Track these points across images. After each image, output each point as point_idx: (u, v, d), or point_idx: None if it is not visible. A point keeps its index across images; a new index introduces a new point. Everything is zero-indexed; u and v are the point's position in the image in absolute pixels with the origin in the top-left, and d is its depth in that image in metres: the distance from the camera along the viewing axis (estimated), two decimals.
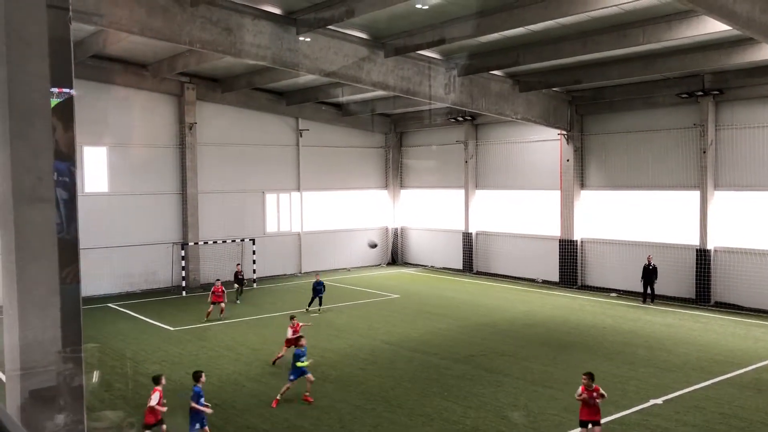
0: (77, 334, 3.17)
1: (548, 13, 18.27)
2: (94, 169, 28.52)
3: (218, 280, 24.47)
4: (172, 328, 22.34)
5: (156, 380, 12.75)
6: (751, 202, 24.97)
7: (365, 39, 22.37)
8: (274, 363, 17.74)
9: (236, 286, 27.66)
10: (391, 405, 14.58)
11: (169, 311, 25.31)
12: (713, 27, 18.30)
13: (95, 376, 16.58)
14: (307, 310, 24.58)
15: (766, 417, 13.68)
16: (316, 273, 27.65)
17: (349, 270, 36.31)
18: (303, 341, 15.21)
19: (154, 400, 12.30)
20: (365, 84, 23.34)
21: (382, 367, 17.53)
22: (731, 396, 14.96)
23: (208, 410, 12.45)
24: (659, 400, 14.60)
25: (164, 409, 12.40)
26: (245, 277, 28.71)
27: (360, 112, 35.94)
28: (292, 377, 14.87)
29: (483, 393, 15.25)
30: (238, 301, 26.89)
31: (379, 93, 29.81)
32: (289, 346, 17.06)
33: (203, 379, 12.80)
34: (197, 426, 12.26)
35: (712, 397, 14.86)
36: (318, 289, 24.70)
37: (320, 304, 24.72)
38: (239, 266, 28.51)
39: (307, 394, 14.93)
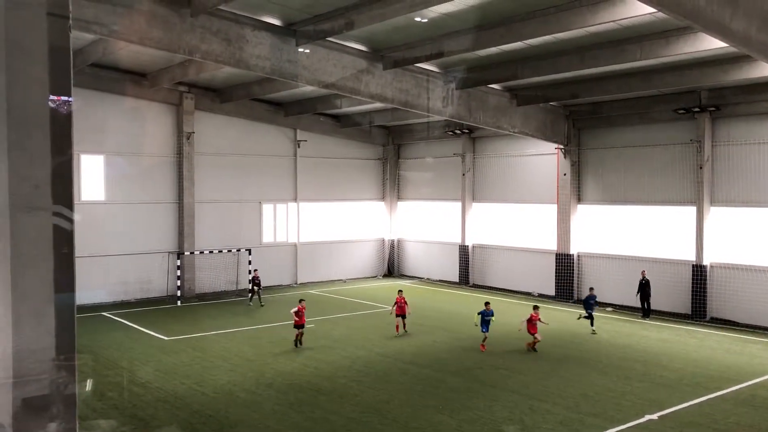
0: (71, 343, 3.15)
1: (546, 28, 18.39)
2: (91, 177, 28.50)
3: (302, 300, 22.00)
4: (166, 338, 22.25)
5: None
6: (747, 218, 25.05)
7: (364, 51, 22.47)
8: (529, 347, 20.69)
9: (254, 290, 28.67)
10: (386, 418, 14.52)
11: (164, 320, 25.22)
12: (710, 44, 18.43)
13: (88, 384, 16.50)
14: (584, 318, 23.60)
15: None
16: (591, 288, 24.54)
17: (345, 281, 36.25)
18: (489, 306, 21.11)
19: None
20: (363, 96, 23.42)
21: (376, 380, 17.46)
22: (726, 412, 14.93)
23: None
24: (654, 416, 14.56)
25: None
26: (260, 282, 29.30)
27: (358, 124, 36.05)
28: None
29: (478, 406, 15.19)
30: (262, 304, 28.37)
31: (378, 105, 29.91)
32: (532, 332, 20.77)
33: None
34: None
35: (707, 413, 14.83)
36: (590, 303, 23.43)
37: (586, 317, 23.38)
38: (256, 271, 29.31)
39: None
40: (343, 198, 37.46)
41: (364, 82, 22.82)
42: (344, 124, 36.27)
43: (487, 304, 21.34)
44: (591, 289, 24.44)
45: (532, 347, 20.59)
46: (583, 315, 23.68)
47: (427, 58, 21.82)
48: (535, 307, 21.50)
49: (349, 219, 37.76)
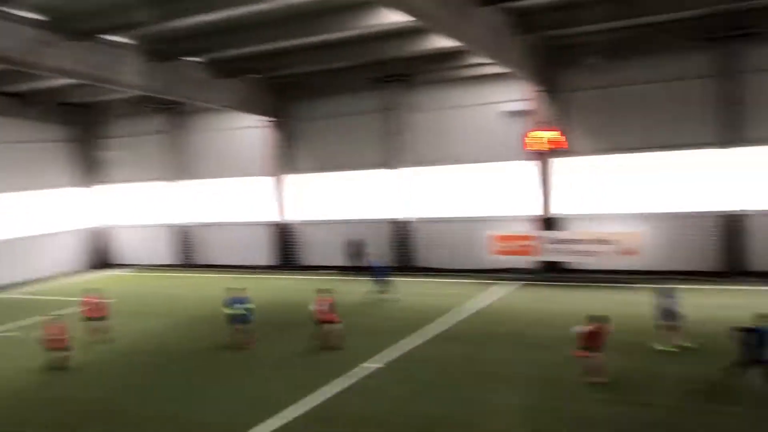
0: None
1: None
2: None
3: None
4: None
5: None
6: (439, 176, 28.13)
7: (43, 20, 19.94)
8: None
9: None
10: (112, 413, 13.47)
11: None
12: (396, 17, 19.84)
13: None
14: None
15: (467, 363, 15.54)
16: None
17: (46, 279, 32.60)
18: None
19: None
20: (44, 70, 21.01)
21: (90, 377, 16.10)
22: (441, 348, 16.70)
23: None
24: (377, 364, 15.62)
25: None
26: None
27: (46, 103, 32.28)
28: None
29: (210, 387, 14.88)
30: None
31: (70, 81, 27.10)
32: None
33: None
34: None
35: (427, 353, 16.42)
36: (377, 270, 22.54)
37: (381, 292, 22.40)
38: None
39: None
40: (33, 187, 33.40)
41: (45, 55, 20.32)
42: (28, 103, 32.11)
43: (234, 289, 17.68)
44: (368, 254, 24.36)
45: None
46: (375, 290, 22.57)
47: (117, 29, 20.23)
48: (322, 291, 17.32)
49: (43, 209, 33.94)
